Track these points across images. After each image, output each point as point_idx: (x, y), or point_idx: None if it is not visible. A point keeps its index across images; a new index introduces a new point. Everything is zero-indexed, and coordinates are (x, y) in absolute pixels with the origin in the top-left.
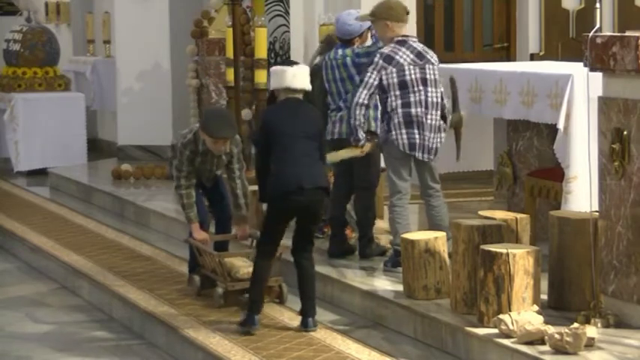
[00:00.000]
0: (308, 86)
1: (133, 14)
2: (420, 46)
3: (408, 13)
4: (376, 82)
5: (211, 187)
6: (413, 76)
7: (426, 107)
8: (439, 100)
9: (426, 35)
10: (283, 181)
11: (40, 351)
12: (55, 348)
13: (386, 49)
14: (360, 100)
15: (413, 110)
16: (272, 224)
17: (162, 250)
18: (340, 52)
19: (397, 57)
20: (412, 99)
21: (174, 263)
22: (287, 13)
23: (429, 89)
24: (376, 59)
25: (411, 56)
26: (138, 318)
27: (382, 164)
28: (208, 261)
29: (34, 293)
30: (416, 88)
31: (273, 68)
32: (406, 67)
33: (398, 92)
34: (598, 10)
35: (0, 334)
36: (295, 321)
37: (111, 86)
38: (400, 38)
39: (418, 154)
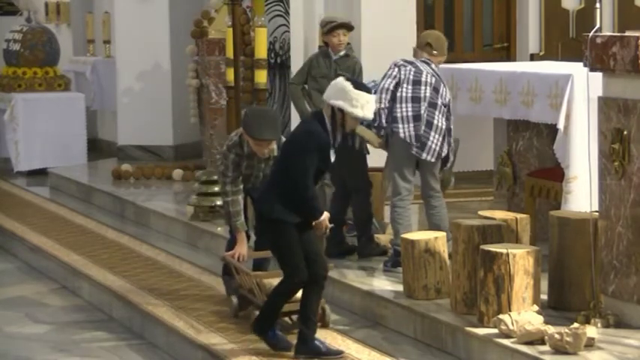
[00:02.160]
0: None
1: (133, 14)
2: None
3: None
4: (392, 87)
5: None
6: (427, 79)
7: (435, 108)
8: (448, 125)
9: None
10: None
11: (40, 351)
12: (55, 348)
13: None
14: (386, 86)
15: (422, 106)
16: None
17: (162, 250)
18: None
19: (418, 64)
20: (422, 94)
21: (174, 263)
22: (287, 13)
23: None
24: (396, 61)
25: (435, 76)
26: (138, 318)
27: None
28: (245, 280)
29: (34, 293)
30: (427, 88)
31: (349, 87)
32: (424, 74)
33: (410, 87)
34: (598, 10)
35: (0, 334)
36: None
37: (111, 86)
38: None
39: (422, 153)
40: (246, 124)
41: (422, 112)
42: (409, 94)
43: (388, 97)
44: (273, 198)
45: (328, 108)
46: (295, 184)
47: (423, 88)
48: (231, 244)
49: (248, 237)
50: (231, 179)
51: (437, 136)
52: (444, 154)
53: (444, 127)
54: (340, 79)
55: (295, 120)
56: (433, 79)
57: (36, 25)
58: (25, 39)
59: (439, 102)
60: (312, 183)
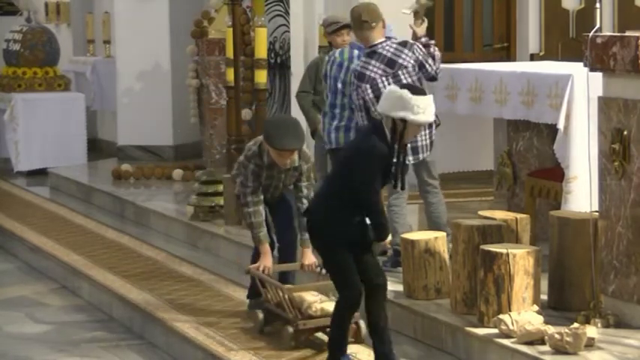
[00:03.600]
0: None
1: (133, 14)
2: (391, 51)
3: (365, 21)
4: (361, 102)
5: (276, 205)
6: (376, 74)
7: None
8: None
9: (426, 35)
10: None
11: (40, 351)
12: (55, 348)
13: (357, 66)
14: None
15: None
16: None
17: (163, 250)
18: (356, 53)
19: (367, 72)
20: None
21: (175, 263)
22: (287, 13)
23: None
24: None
25: (382, 67)
26: (138, 318)
27: None
28: (273, 294)
29: (34, 293)
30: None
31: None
32: (379, 81)
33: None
34: (598, 10)
35: (0, 334)
36: None
37: (111, 86)
38: (368, 50)
39: (418, 157)
40: (267, 134)
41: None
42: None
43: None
44: (328, 215)
45: (389, 120)
46: (360, 201)
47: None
48: (255, 256)
49: (272, 248)
50: (251, 190)
51: (423, 131)
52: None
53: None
54: (394, 88)
55: None
56: (390, 79)
57: (36, 25)
58: (25, 39)
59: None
60: (380, 199)
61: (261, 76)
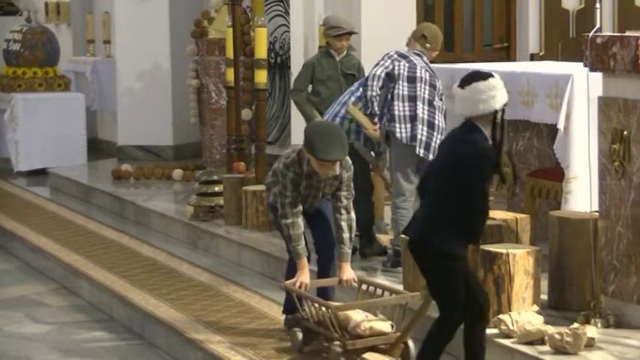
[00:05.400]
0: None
1: (133, 14)
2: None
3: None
4: (383, 75)
5: (314, 217)
6: (422, 75)
7: (435, 108)
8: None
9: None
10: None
11: (40, 351)
12: (55, 348)
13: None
14: (378, 73)
15: (419, 106)
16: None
17: (163, 250)
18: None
19: (411, 57)
20: (418, 92)
21: (174, 263)
22: (287, 13)
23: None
24: (389, 53)
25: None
26: (138, 318)
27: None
28: (314, 312)
29: (34, 293)
30: (424, 86)
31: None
32: (418, 68)
33: (406, 84)
34: (598, 10)
35: (0, 334)
36: None
37: (111, 86)
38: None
39: (428, 154)
40: (310, 143)
41: (419, 111)
42: (406, 92)
43: (380, 83)
44: (443, 229)
45: (483, 118)
46: (477, 210)
47: (419, 85)
48: (291, 270)
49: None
50: (290, 200)
51: (439, 136)
52: None
53: (443, 126)
54: (457, 89)
55: (295, 121)
56: (427, 75)
57: (36, 25)
58: (25, 39)
59: (437, 101)
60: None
61: (261, 76)
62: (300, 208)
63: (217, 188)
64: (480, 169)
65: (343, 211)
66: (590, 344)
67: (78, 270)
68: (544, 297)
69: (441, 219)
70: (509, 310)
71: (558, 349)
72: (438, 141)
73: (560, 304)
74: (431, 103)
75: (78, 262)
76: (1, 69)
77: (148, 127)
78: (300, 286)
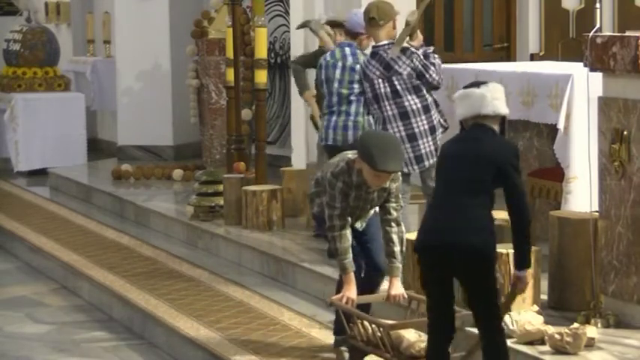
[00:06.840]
0: (501, 111)
1: (133, 14)
2: (390, 55)
3: (373, 18)
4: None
5: (362, 232)
6: (382, 90)
7: (402, 119)
8: (416, 106)
9: (426, 35)
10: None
11: (40, 351)
12: (55, 348)
13: (363, 63)
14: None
15: (389, 126)
16: (424, 284)
17: (163, 250)
18: (348, 50)
19: (367, 72)
20: (385, 114)
21: (174, 263)
22: (287, 13)
23: (401, 99)
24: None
25: (380, 69)
26: (138, 318)
27: None
28: (363, 330)
29: (34, 293)
30: (386, 102)
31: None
32: (375, 82)
33: (375, 106)
34: (598, 10)
35: (0, 334)
36: (295, 320)
37: (111, 86)
38: (373, 49)
39: (424, 165)
40: (368, 153)
41: (388, 129)
42: (377, 115)
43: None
44: (488, 233)
45: (494, 120)
46: (524, 211)
47: (382, 102)
48: (340, 285)
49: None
50: (339, 211)
51: (425, 139)
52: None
53: (426, 127)
54: (466, 90)
55: (295, 121)
56: (378, 71)
57: (36, 25)
58: (25, 39)
59: (406, 102)
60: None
61: (261, 76)
62: (349, 220)
63: (217, 188)
64: (518, 170)
65: (393, 224)
66: (590, 344)
67: (78, 270)
68: (544, 297)
69: (484, 222)
70: (509, 310)
71: (558, 349)
72: (427, 143)
73: (560, 304)
74: (402, 113)
75: (78, 262)
76: (1, 69)
77: (148, 127)
78: (346, 302)
